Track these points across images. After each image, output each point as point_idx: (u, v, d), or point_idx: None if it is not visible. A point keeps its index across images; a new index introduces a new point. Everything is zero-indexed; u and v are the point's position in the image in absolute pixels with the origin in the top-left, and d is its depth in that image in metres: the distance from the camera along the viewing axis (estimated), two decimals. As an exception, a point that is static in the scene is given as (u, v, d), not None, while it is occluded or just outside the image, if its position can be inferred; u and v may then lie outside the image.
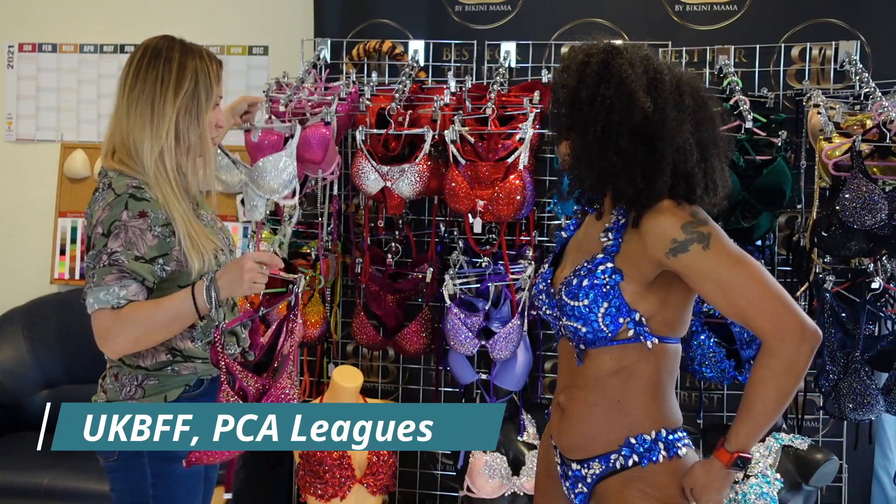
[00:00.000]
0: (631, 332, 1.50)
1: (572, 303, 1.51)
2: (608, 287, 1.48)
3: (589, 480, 1.55)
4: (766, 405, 1.41)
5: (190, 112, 1.74)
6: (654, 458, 1.51)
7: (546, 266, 1.68)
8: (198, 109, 1.75)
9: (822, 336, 1.40)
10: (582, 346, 1.55)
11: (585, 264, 1.52)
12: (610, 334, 1.50)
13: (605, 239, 1.53)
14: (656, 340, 1.50)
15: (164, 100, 1.72)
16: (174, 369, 1.77)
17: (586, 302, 1.49)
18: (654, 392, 1.54)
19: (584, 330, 1.51)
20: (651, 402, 1.53)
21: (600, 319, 1.49)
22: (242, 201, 2.39)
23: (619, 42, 1.55)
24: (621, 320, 1.49)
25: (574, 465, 1.58)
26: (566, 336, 1.59)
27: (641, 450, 1.51)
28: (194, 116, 1.75)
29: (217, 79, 1.80)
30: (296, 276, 1.79)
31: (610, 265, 1.49)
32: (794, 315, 1.38)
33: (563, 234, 1.73)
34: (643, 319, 1.49)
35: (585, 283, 1.50)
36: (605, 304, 1.48)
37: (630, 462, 1.51)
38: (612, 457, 1.53)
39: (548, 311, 1.63)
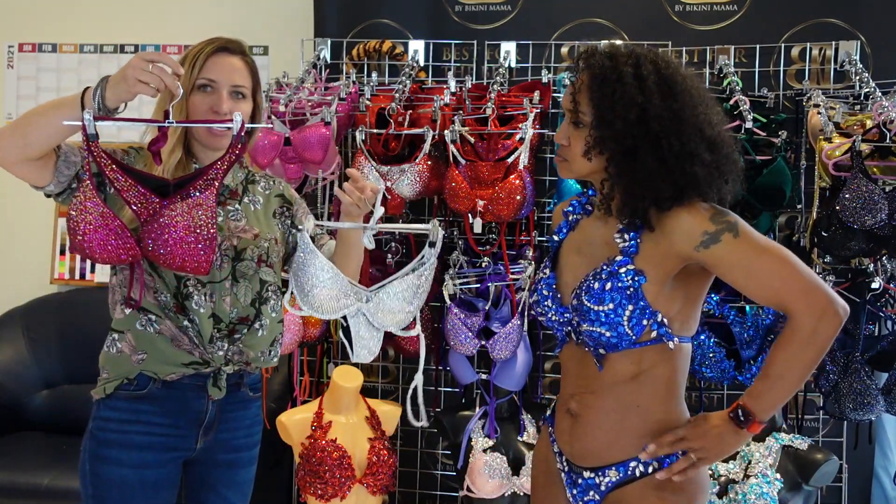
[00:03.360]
0: (654, 334, 1.47)
1: (596, 307, 1.47)
2: (632, 289, 1.45)
3: (603, 488, 1.52)
4: (789, 370, 1.40)
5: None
6: None
7: (547, 271, 1.63)
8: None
9: (849, 312, 1.40)
10: (602, 351, 1.51)
11: (604, 267, 1.49)
12: (634, 337, 1.47)
13: (621, 240, 1.50)
14: (677, 340, 1.48)
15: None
16: (118, 348, 1.66)
17: (611, 306, 1.46)
18: (671, 395, 1.52)
19: (608, 334, 1.47)
20: (667, 405, 1.52)
21: (626, 322, 1.46)
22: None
23: (634, 45, 1.54)
24: (645, 322, 1.46)
25: (586, 473, 1.54)
26: (584, 342, 1.54)
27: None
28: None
29: (203, 59, 1.69)
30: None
31: (631, 267, 1.46)
32: (824, 291, 1.39)
33: (556, 238, 1.68)
34: (664, 320, 1.47)
35: (609, 286, 1.46)
36: (630, 307, 1.45)
37: (650, 469, 1.48)
38: (632, 464, 1.50)
39: (554, 318, 1.58)
